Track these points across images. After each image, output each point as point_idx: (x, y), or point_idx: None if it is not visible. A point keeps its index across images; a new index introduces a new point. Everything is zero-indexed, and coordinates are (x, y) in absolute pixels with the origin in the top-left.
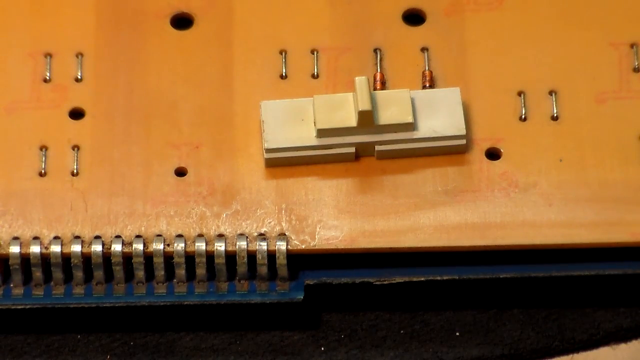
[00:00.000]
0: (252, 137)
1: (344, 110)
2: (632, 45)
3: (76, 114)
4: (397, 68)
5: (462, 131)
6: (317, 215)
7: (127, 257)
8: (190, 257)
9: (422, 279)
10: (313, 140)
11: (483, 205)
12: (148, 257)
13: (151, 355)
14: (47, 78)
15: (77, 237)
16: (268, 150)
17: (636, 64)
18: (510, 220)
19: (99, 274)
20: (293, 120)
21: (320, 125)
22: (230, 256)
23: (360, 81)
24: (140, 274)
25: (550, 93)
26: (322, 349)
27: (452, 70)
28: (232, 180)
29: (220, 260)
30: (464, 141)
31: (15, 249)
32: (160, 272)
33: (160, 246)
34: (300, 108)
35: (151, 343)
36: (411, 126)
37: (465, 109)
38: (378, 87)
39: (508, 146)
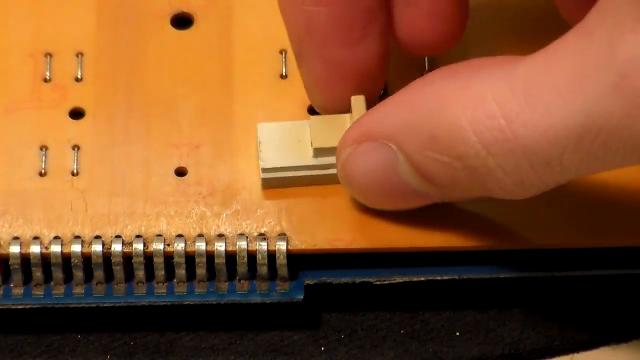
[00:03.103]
0: (252, 137)
1: (340, 130)
2: None
3: (76, 113)
4: (397, 69)
5: None
6: (317, 215)
7: (127, 257)
8: (190, 257)
9: (422, 279)
10: (310, 160)
11: (483, 205)
12: (148, 257)
13: (151, 355)
14: (47, 78)
15: (77, 237)
16: (265, 170)
17: None
18: (510, 220)
19: (99, 274)
20: (290, 141)
21: (317, 144)
22: (230, 256)
23: (357, 100)
24: (140, 274)
25: None
26: (322, 349)
27: None
28: (232, 180)
29: (220, 260)
30: None
31: (15, 249)
32: (160, 272)
33: (160, 246)
34: (297, 130)
35: (151, 343)
36: None
37: None
38: None
39: None
